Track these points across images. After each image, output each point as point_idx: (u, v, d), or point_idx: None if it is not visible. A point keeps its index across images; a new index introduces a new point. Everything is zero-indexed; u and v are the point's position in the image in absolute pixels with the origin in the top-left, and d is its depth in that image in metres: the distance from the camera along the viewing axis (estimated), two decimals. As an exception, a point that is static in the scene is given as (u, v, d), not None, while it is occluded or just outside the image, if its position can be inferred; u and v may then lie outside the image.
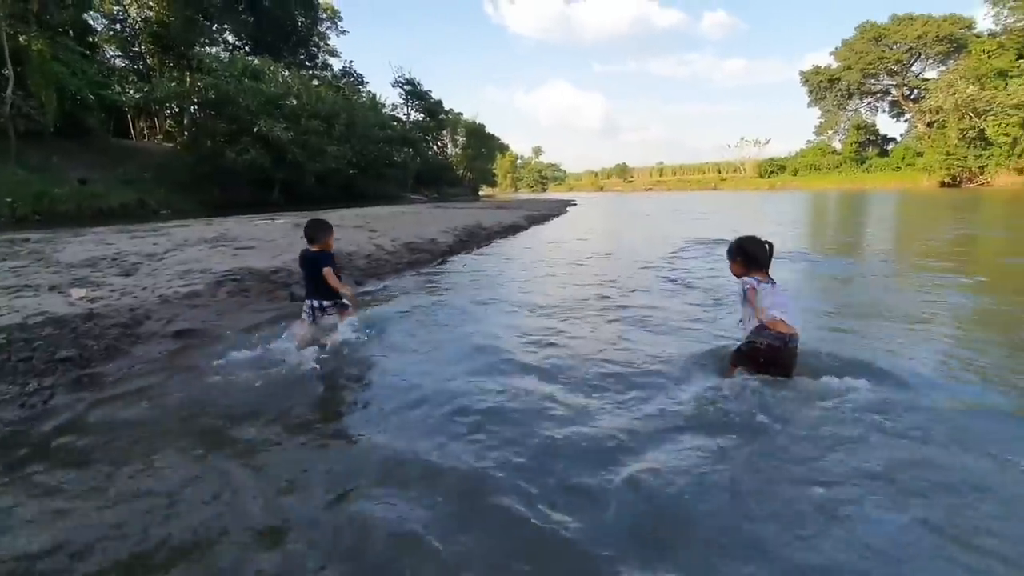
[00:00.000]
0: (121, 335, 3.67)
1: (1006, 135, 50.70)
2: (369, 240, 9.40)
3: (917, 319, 4.56)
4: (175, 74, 32.81)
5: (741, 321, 3.23)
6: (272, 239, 8.89)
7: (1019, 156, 50.52)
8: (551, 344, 3.93)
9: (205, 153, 27.95)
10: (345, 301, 3.97)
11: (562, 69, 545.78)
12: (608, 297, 5.60)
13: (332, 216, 15.24)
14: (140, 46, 36.33)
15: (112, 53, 36.10)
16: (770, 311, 3.01)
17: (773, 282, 3.16)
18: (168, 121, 37.64)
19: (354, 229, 11.20)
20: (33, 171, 20.52)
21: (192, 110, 33.13)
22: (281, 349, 3.56)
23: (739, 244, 3.23)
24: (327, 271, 3.78)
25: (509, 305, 5.26)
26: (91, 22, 31.40)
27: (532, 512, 1.92)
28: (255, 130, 27.37)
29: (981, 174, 54.71)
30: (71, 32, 26.65)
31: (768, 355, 3.00)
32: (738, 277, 3.24)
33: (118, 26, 35.02)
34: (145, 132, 36.94)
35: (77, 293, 4.50)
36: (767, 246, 3.18)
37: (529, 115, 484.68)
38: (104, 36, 34.13)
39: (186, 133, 32.70)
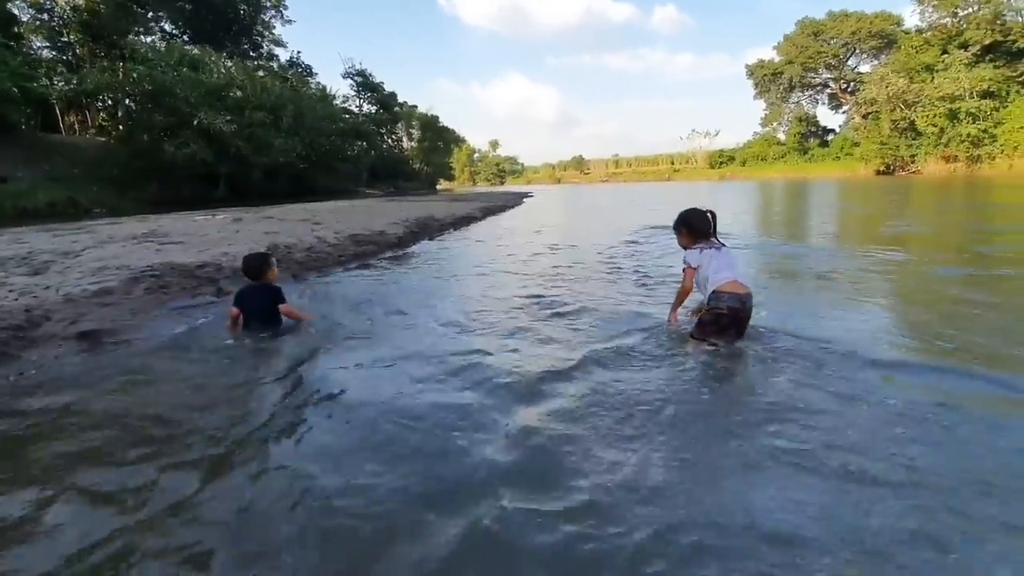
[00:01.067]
0: (11, 338, 3.36)
1: (934, 125, 53.87)
2: (311, 232, 9.08)
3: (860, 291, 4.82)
4: (106, 64, 30.81)
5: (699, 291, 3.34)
6: (205, 234, 8.45)
7: (946, 145, 53.76)
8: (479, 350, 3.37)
9: (142, 147, 26.42)
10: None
11: (516, 62, 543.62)
12: (541, 296, 4.90)
13: (276, 211, 14.72)
14: (69, 36, 33.90)
15: (39, 44, 33.57)
16: (717, 274, 3.13)
17: (721, 245, 3.27)
18: (101, 114, 35.31)
19: (297, 222, 10.80)
20: (-55, 169, 18.94)
21: (127, 102, 31.23)
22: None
23: (682, 217, 3.42)
24: (285, 308, 3.78)
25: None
26: (16, 12, 29.11)
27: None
28: (195, 123, 26.07)
29: (912, 163, 57.92)
30: (-7, 24, 24.65)
31: (731, 316, 3.08)
32: (685, 248, 3.39)
33: (45, 15, 32.59)
34: (76, 126, 34.57)
35: (-32, 294, 4.12)
36: (709, 215, 3.35)
37: (485, 108, 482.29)
38: (30, 26, 31.71)
39: (120, 127, 30.80)
